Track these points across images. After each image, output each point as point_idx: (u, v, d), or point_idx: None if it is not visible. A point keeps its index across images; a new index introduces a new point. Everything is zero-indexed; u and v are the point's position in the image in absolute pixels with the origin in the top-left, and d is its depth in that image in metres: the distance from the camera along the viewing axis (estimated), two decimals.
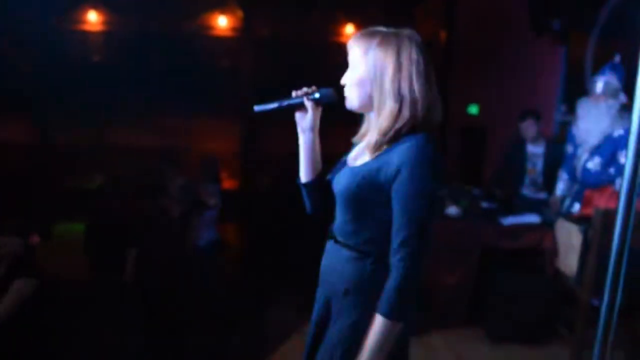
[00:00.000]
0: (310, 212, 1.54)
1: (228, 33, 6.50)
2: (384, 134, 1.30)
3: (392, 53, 1.29)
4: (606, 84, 3.30)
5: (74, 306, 2.77)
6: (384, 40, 1.30)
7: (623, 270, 1.07)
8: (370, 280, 1.32)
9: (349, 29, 6.19)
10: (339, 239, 1.41)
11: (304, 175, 1.49)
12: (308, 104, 1.41)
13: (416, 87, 1.28)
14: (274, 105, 1.42)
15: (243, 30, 6.40)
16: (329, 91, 1.41)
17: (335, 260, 1.41)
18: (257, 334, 3.27)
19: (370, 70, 1.31)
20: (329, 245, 1.46)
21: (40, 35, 5.30)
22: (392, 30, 1.34)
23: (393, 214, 1.27)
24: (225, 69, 6.62)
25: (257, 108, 1.43)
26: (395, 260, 1.26)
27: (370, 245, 1.34)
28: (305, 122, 1.43)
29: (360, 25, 1.47)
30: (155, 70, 5.69)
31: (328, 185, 1.46)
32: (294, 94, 1.42)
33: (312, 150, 1.46)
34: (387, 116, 1.29)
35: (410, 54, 1.29)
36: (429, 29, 6.81)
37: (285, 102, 1.42)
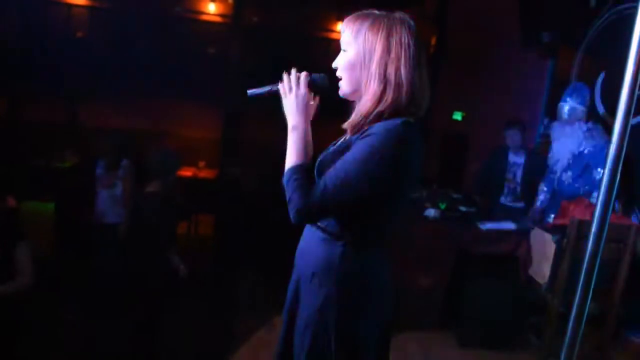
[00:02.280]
0: None
1: (217, 19, 6.43)
2: (365, 116, 1.27)
3: (382, 35, 1.27)
4: (571, 110, 3.43)
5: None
6: (375, 22, 1.28)
7: (594, 280, 1.09)
8: (338, 264, 1.30)
9: (340, 22, 6.20)
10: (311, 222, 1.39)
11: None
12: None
13: (403, 71, 1.25)
14: (266, 90, 1.40)
15: (232, 17, 6.33)
16: (320, 76, 1.39)
17: (308, 242, 1.40)
18: (230, 323, 3.25)
19: (360, 52, 1.29)
20: (307, 227, 1.44)
21: (21, 3, 5.13)
22: (384, 13, 1.31)
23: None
24: (211, 55, 6.55)
25: (250, 92, 1.41)
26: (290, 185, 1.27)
27: (338, 229, 1.31)
28: (288, 107, 1.39)
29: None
30: (139, 51, 5.58)
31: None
32: (285, 77, 1.39)
33: (298, 135, 1.39)
34: (369, 98, 1.27)
35: (401, 38, 1.27)
36: (419, 34, 6.84)
37: (277, 87, 1.39)
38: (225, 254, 4.52)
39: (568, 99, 3.46)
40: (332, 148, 1.39)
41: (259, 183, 5.00)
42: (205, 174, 5.82)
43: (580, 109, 3.42)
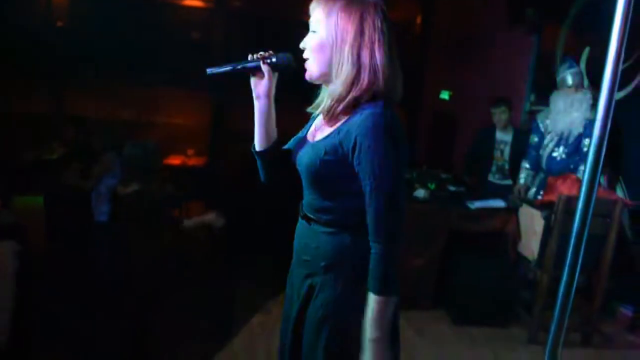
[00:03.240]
0: (264, 181, 1.49)
1: (200, 4, 6.34)
2: (339, 101, 1.24)
3: (355, 18, 1.22)
4: (576, 75, 3.41)
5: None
6: (349, 3, 1.24)
7: (581, 255, 1.10)
8: (351, 253, 1.30)
9: None
10: (310, 215, 1.36)
11: (258, 144, 1.41)
12: (264, 68, 1.33)
13: (377, 55, 1.22)
14: (227, 68, 1.34)
15: (215, 2, 6.24)
16: (285, 55, 1.35)
17: (310, 237, 1.37)
18: (221, 310, 3.27)
19: (331, 34, 1.23)
20: (301, 223, 1.43)
21: None
22: None
23: (363, 187, 1.23)
24: (196, 40, 6.46)
25: (209, 70, 1.35)
26: (372, 240, 1.23)
27: (344, 218, 1.30)
28: (261, 88, 1.36)
29: None
30: (122, 38, 5.48)
31: (286, 156, 1.42)
32: (250, 57, 1.35)
33: (267, 117, 1.38)
34: (342, 82, 1.23)
35: (374, 21, 1.22)
36: (406, 14, 6.81)
37: (240, 65, 1.35)
38: (217, 240, 4.52)
39: (574, 66, 3.44)
40: (310, 139, 1.37)
41: (249, 169, 4.98)
42: (194, 161, 5.79)
43: (581, 74, 3.42)
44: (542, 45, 4.76)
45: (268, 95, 1.37)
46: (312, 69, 1.30)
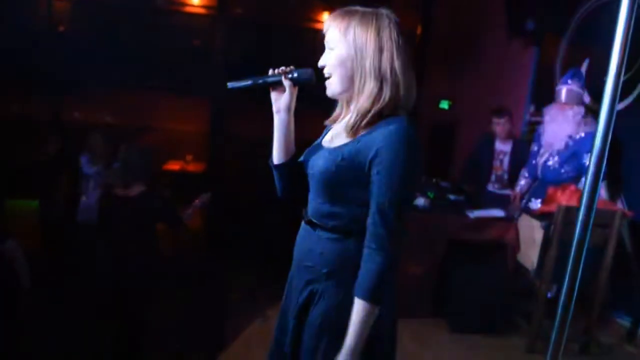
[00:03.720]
0: (280, 196, 1.49)
1: (201, 10, 6.37)
2: (364, 115, 1.26)
3: (372, 31, 1.26)
4: (569, 92, 3.45)
5: None
6: (364, 18, 1.27)
7: (581, 265, 1.11)
8: (354, 260, 1.30)
9: (325, 14, 6.16)
10: (316, 221, 1.37)
11: (276, 157, 1.42)
12: (286, 83, 1.35)
13: (397, 67, 1.25)
14: (248, 82, 1.35)
15: (217, 9, 6.28)
16: (307, 71, 1.36)
17: (313, 243, 1.37)
18: (221, 315, 3.26)
19: (351, 49, 1.27)
20: (304, 228, 1.43)
21: None
22: (369, 9, 1.31)
23: (371, 196, 1.25)
24: (196, 47, 6.49)
25: (230, 85, 1.36)
26: (374, 248, 1.24)
27: (351, 225, 1.31)
28: (282, 102, 1.37)
29: (334, 9, 1.44)
30: (123, 44, 5.50)
31: (300, 168, 1.43)
32: (270, 72, 1.37)
33: (286, 131, 1.40)
34: (367, 97, 1.26)
35: (390, 33, 1.26)
36: (405, 23, 6.84)
37: (261, 80, 1.36)
38: (215, 246, 4.52)
39: (569, 81, 3.46)
40: (326, 146, 1.38)
41: (246, 176, 4.99)
42: (193, 167, 5.79)
43: (579, 92, 3.44)
44: (542, 57, 4.79)
45: (289, 110, 1.38)
46: (334, 86, 1.33)
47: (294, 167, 1.44)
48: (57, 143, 4.06)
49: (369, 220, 1.26)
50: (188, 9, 6.31)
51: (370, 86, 1.26)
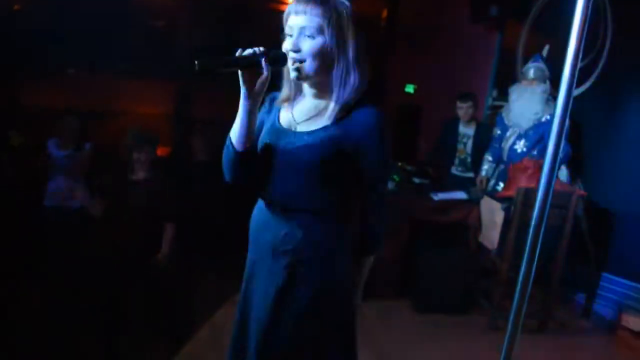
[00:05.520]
0: (233, 181, 1.42)
1: None
2: (348, 104, 1.34)
3: (350, 25, 1.32)
4: (538, 69, 3.52)
5: None
6: (342, 11, 1.31)
7: (539, 245, 1.15)
8: (334, 242, 1.39)
9: None
10: (290, 205, 1.37)
11: (241, 143, 1.34)
12: (264, 64, 1.25)
13: (364, 57, 1.35)
14: (221, 62, 1.22)
15: None
16: (281, 53, 1.32)
17: (288, 227, 1.37)
18: (188, 303, 3.24)
19: (334, 39, 1.30)
20: (266, 212, 1.43)
21: None
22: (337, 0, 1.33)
23: (367, 166, 1.37)
24: (160, 28, 6.30)
25: (199, 63, 1.17)
26: (373, 209, 1.46)
27: (332, 207, 1.37)
28: (257, 85, 1.27)
29: None
30: (82, 25, 5.29)
31: (258, 154, 1.40)
32: (247, 52, 1.25)
33: (253, 116, 1.33)
34: (352, 88, 1.33)
35: (354, 26, 1.33)
36: (371, 7, 6.83)
37: (239, 60, 1.23)
38: (181, 232, 4.45)
39: (539, 60, 3.55)
40: (299, 129, 1.39)
41: (211, 160, 4.91)
42: (158, 152, 5.66)
43: (546, 71, 3.52)
44: (504, 43, 4.88)
45: (261, 93, 1.31)
46: (310, 71, 1.32)
47: (255, 153, 1.40)
48: (19, 137, 3.94)
49: (367, 200, 1.44)
50: None
51: (354, 78, 1.33)
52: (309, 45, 1.30)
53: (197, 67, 1.18)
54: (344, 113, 1.35)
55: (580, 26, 1.01)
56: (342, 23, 1.30)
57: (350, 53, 1.32)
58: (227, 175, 1.42)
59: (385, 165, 1.42)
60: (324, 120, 1.35)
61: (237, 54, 1.25)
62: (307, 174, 1.33)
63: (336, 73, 1.33)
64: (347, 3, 1.33)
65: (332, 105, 1.35)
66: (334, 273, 1.39)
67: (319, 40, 1.30)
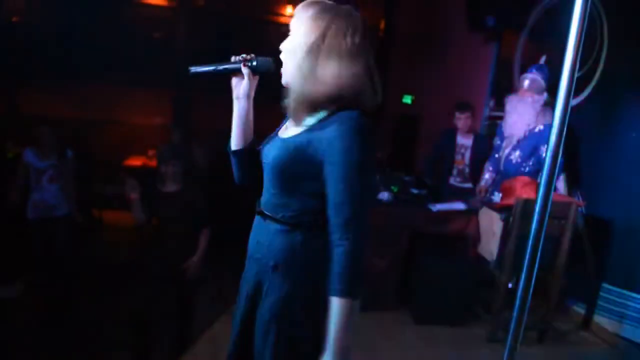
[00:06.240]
0: (238, 182, 1.51)
1: (162, 2, 6.22)
2: (296, 101, 1.28)
3: (321, 26, 1.27)
4: (532, 81, 3.51)
5: None
6: (319, 12, 1.29)
7: (539, 255, 1.14)
8: (301, 253, 1.30)
9: (286, 5, 6.08)
10: (267, 212, 1.36)
11: (234, 143, 1.46)
12: (245, 70, 1.38)
13: (336, 63, 1.25)
14: (209, 68, 1.39)
15: (178, 1, 6.14)
16: (266, 60, 1.39)
17: (263, 235, 1.37)
18: (189, 312, 3.21)
19: (298, 40, 1.29)
20: (257, 220, 1.42)
21: None
22: (334, 4, 1.32)
23: (328, 188, 1.24)
24: (157, 39, 6.33)
25: (192, 69, 1.40)
26: (338, 238, 1.23)
27: (299, 217, 1.31)
28: (241, 89, 1.41)
29: (297, 3, 1.44)
30: (83, 36, 5.31)
31: (258, 157, 1.43)
32: (232, 59, 1.40)
33: (245, 118, 1.43)
34: (300, 85, 1.28)
35: (342, 30, 1.27)
36: (368, 17, 6.88)
37: (222, 67, 1.40)
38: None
39: (534, 71, 3.55)
40: (281, 135, 1.39)
41: (210, 168, 4.90)
42: (155, 162, 5.66)
43: (541, 82, 3.52)
44: (502, 53, 4.90)
45: (247, 97, 1.42)
46: (284, 71, 1.35)
47: (252, 155, 1.45)
48: (15, 148, 3.94)
49: (328, 213, 1.25)
50: (149, 1, 6.15)
51: (302, 76, 1.29)
52: (283, 44, 1.36)
53: (190, 72, 1.40)
54: (315, 117, 1.29)
55: (577, 36, 1.01)
56: (314, 22, 1.28)
57: (307, 51, 1.26)
58: (234, 176, 1.51)
59: (348, 183, 1.22)
60: (301, 128, 1.32)
61: (232, 59, 1.40)
62: (275, 181, 1.33)
63: (300, 72, 1.28)
64: (342, 7, 1.31)
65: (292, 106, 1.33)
66: (294, 291, 1.30)
67: (290, 39, 1.33)
